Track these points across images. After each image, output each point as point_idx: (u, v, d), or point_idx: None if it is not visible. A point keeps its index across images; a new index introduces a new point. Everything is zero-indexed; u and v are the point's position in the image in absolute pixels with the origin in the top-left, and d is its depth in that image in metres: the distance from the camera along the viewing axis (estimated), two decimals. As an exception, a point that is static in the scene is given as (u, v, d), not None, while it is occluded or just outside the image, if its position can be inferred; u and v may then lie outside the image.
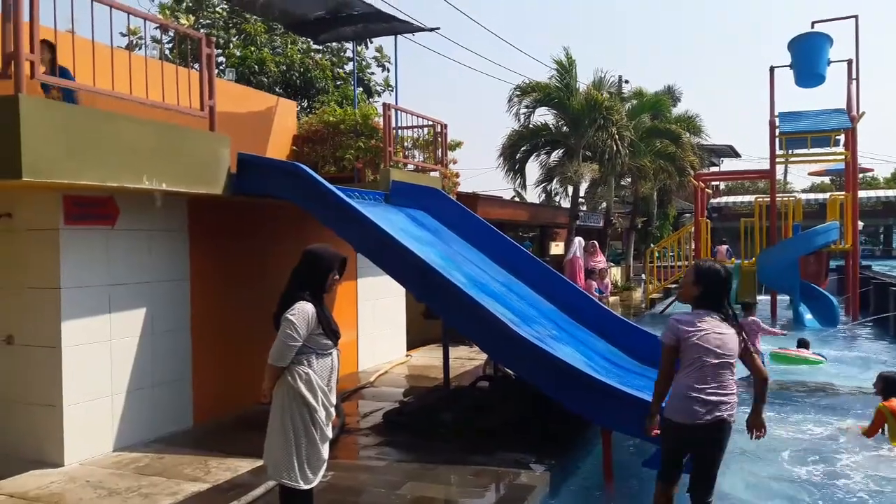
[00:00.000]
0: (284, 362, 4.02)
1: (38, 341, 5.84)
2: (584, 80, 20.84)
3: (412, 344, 11.75)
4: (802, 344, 11.51)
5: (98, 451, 6.05)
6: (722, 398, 4.00)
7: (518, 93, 20.48)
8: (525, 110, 20.77)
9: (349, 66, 19.76)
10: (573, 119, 19.91)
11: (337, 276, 4.31)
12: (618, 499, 5.55)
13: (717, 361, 3.99)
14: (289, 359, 4.01)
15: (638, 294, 22.06)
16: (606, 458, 5.67)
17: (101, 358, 6.11)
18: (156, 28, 6.33)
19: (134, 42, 15.76)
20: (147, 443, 6.43)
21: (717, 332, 4.04)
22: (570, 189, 21.39)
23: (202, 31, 16.12)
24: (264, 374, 4.07)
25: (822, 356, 11.35)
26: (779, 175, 17.49)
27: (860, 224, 18.48)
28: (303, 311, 4.04)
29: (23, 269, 5.94)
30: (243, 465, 5.56)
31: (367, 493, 5.23)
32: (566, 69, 19.89)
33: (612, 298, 16.64)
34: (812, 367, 10.79)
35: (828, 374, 10.51)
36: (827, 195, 21.32)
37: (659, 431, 4.16)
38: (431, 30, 12.49)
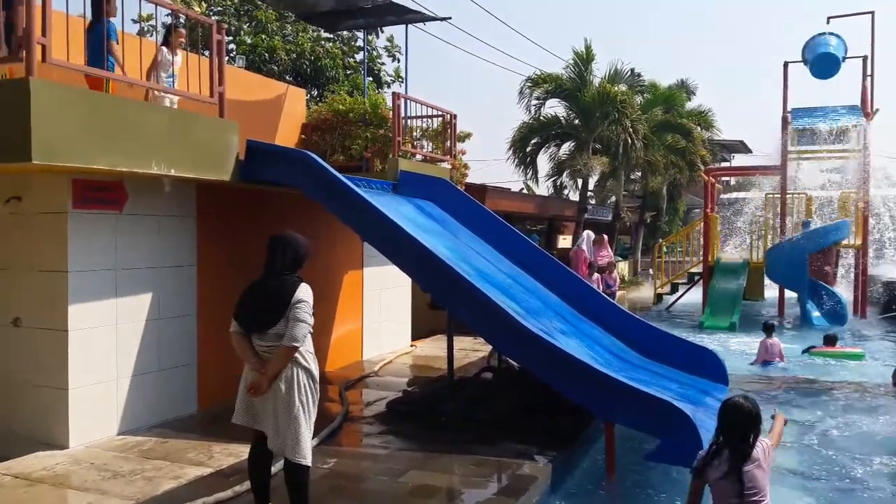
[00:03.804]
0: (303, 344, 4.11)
1: (46, 324, 5.88)
2: (596, 72, 20.75)
3: (417, 334, 11.77)
4: (830, 339, 11.30)
5: (103, 433, 6.09)
6: None
7: (529, 84, 20.41)
8: (536, 102, 20.75)
9: (360, 56, 19.73)
10: (584, 111, 19.82)
11: None
12: (619, 492, 5.56)
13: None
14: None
15: (646, 289, 21.99)
16: (609, 451, 5.67)
17: (107, 342, 6.14)
18: (167, 14, 6.39)
19: (145, 28, 15.80)
20: (151, 427, 6.47)
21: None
22: (580, 182, 21.33)
23: (213, 17, 16.12)
24: (274, 363, 4.08)
25: (859, 349, 11.24)
26: (791, 171, 17.29)
27: (871, 222, 18.31)
28: (311, 293, 4.19)
29: (31, 251, 5.97)
30: (246, 451, 5.57)
31: (370, 481, 5.26)
32: (584, 61, 19.76)
33: (619, 293, 16.59)
34: (853, 362, 10.71)
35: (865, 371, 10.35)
36: (838, 192, 21.17)
37: None
38: (443, 19, 12.44)
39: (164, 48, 6.89)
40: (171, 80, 6.98)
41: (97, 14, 6.31)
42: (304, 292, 4.13)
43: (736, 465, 3.63)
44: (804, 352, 11.24)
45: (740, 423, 3.67)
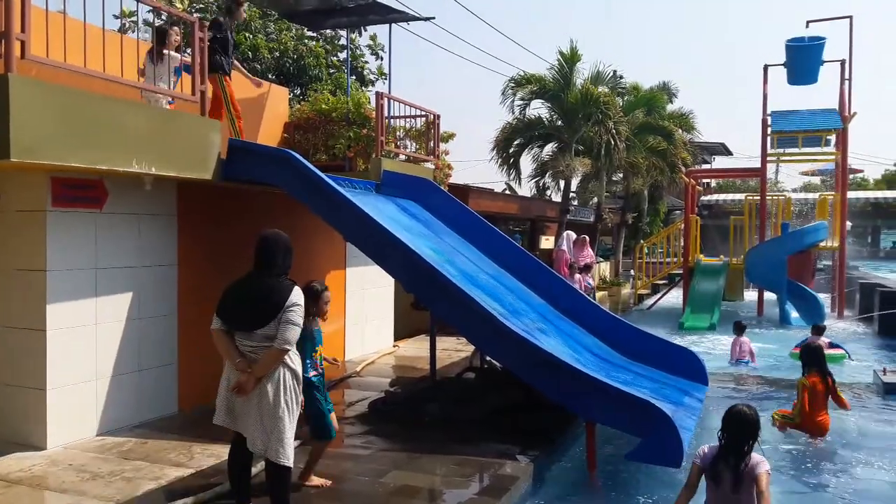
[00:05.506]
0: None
1: (24, 323, 5.81)
2: (580, 74, 20.79)
3: (400, 334, 11.76)
4: (818, 330, 10.95)
5: (82, 434, 6.03)
6: None
7: (513, 85, 20.43)
8: (520, 103, 20.74)
9: (343, 54, 19.67)
10: (567, 113, 19.88)
11: None
12: (601, 490, 5.60)
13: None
14: None
15: (627, 289, 22.14)
16: (590, 451, 5.72)
17: (86, 342, 6.08)
18: (149, 11, 6.26)
19: (126, 25, 15.65)
20: (131, 428, 6.42)
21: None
22: (562, 183, 21.40)
23: (195, 15, 15.98)
24: (264, 364, 4.05)
25: (844, 349, 11.22)
26: (770, 174, 17.55)
27: (848, 224, 18.60)
28: (303, 297, 4.20)
29: (9, 250, 5.90)
30: (227, 451, 5.54)
31: (351, 481, 5.25)
32: (569, 63, 19.80)
33: (599, 294, 16.68)
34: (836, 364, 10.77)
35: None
36: (817, 195, 21.46)
37: None
38: (427, 19, 12.43)
39: (172, 52, 6.94)
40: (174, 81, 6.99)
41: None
42: (298, 296, 4.14)
43: (735, 467, 3.94)
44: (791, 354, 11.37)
45: (741, 431, 3.99)
